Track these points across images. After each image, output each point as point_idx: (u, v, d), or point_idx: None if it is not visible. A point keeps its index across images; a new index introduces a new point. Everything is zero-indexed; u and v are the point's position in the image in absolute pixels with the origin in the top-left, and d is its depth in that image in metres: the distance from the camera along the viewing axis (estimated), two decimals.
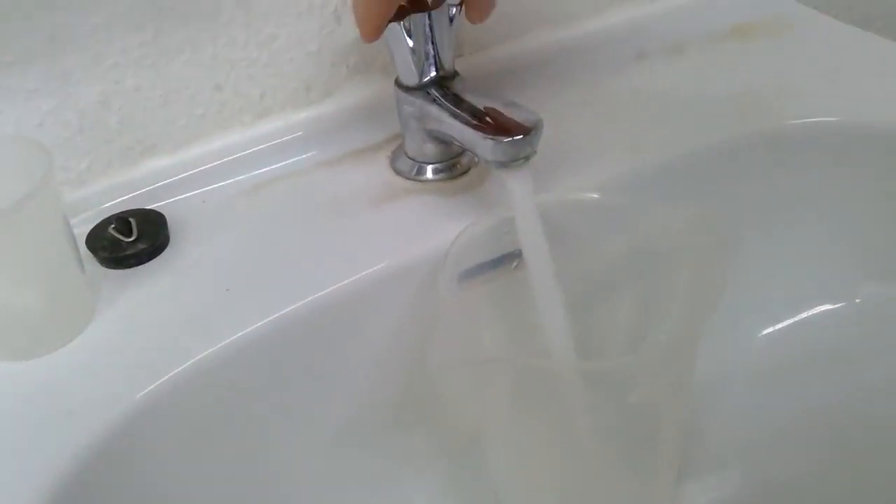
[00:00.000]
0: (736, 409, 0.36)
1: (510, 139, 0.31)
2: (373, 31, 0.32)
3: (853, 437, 0.36)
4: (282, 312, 0.32)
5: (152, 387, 0.29)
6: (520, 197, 0.32)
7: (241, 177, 0.39)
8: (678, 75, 0.44)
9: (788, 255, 0.40)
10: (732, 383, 0.37)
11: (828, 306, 0.39)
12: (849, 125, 0.38)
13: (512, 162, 0.32)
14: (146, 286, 0.33)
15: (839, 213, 0.39)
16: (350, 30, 0.40)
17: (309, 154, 0.41)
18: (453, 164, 0.39)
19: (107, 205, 0.37)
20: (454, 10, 0.34)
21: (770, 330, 0.39)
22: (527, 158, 0.32)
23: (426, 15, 0.34)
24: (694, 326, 0.29)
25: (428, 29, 0.34)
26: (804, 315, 0.39)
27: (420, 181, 0.39)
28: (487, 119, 0.33)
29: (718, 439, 0.36)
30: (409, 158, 0.39)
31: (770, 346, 0.39)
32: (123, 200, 0.37)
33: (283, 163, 0.40)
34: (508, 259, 0.36)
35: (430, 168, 0.39)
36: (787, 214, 0.40)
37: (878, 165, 0.37)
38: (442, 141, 0.38)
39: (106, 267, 0.34)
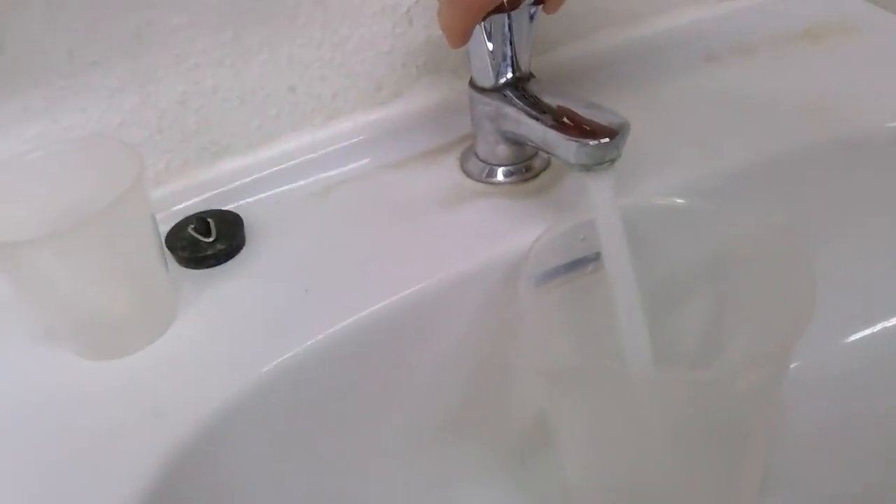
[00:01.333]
0: (821, 419, 0.36)
1: (597, 142, 0.31)
2: (460, 38, 0.32)
3: None
4: (360, 315, 0.32)
5: (238, 388, 0.29)
6: (603, 201, 0.32)
7: (313, 178, 0.39)
8: (750, 78, 0.44)
9: (868, 262, 0.39)
10: (816, 393, 0.36)
11: None
12: None
13: (596, 165, 0.31)
14: (225, 287, 0.34)
15: None
16: (421, 31, 0.40)
17: (379, 155, 0.40)
18: (526, 166, 0.39)
19: (182, 205, 0.37)
20: (534, 9, 0.34)
21: (855, 337, 0.39)
22: (612, 162, 0.31)
23: (506, 15, 0.34)
24: (784, 342, 0.28)
25: (507, 29, 0.34)
26: (887, 323, 0.39)
27: (491, 184, 0.39)
28: (568, 121, 0.32)
29: (802, 451, 0.35)
30: (480, 160, 0.39)
31: (855, 352, 0.38)
32: (199, 201, 0.37)
33: (354, 164, 0.40)
34: (584, 263, 0.35)
35: (501, 170, 0.39)
36: (866, 220, 0.39)
37: None
38: (515, 143, 0.37)
39: (185, 267, 0.34)
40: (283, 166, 0.39)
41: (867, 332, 0.39)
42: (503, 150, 0.38)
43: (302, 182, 0.39)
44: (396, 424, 0.35)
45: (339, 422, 0.33)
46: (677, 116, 0.41)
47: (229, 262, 0.35)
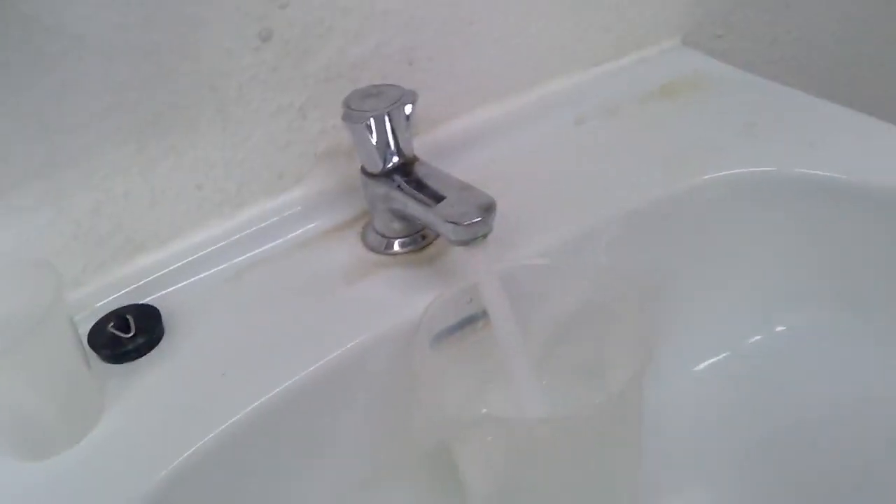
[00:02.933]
0: (682, 437, 0.41)
1: (469, 223, 0.35)
2: None
3: (787, 455, 0.40)
4: (273, 393, 0.35)
5: (159, 477, 0.32)
6: (480, 270, 0.36)
7: (225, 264, 0.43)
8: (614, 137, 0.49)
9: (718, 295, 0.44)
10: (677, 415, 0.41)
11: (757, 337, 0.44)
12: (762, 175, 0.44)
13: (472, 241, 0.36)
14: (147, 379, 0.36)
15: (759, 254, 0.44)
16: (315, 123, 0.44)
17: (285, 237, 0.44)
18: (421, 235, 0.43)
19: (103, 302, 0.40)
20: (409, 108, 0.39)
21: (706, 364, 0.44)
22: (484, 236, 0.36)
23: (386, 114, 0.38)
24: (633, 375, 0.33)
25: (388, 124, 0.39)
26: (735, 348, 0.44)
27: (390, 255, 0.43)
28: (447, 203, 0.37)
29: (670, 466, 0.40)
30: (378, 234, 0.43)
31: (708, 377, 0.44)
32: (118, 297, 0.40)
33: (263, 248, 0.44)
34: (474, 320, 0.39)
35: (397, 242, 0.43)
36: (715, 261, 0.45)
37: (791, 210, 0.43)
38: (406, 218, 0.42)
39: (108, 363, 0.37)
40: (195, 256, 0.42)
41: (713, 360, 0.45)
42: (397, 224, 0.42)
43: (215, 269, 0.43)
44: (320, 484, 0.39)
45: (272, 483, 0.36)
46: (550, 180, 0.46)
47: (150, 355, 0.38)
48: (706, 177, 0.43)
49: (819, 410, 0.41)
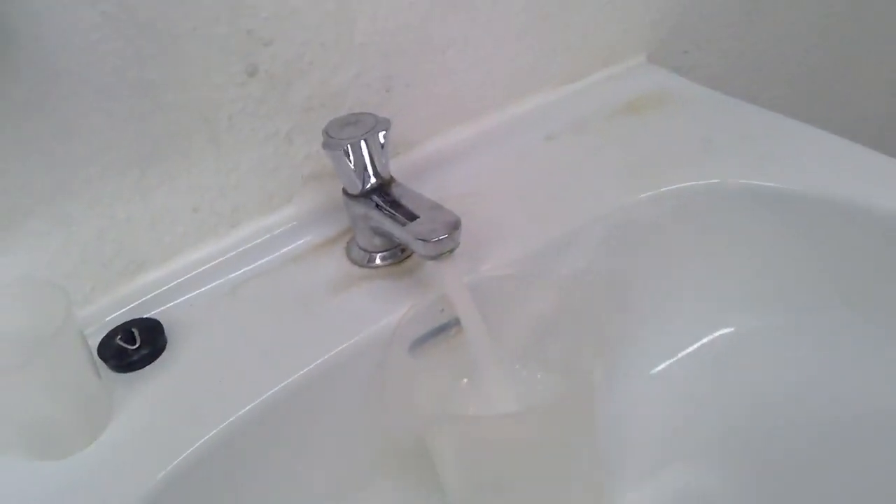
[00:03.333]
0: (640, 434, 0.44)
1: (436, 239, 0.39)
2: None
3: (744, 449, 0.44)
4: (266, 395, 0.39)
5: (164, 473, 0.36)
6: (450, 282, 0.40)
7: (221, 280, 0.46)
8: (581, 151, 0.53)
9: (672, 300, 0.48)
10: (635, 413, 0.45)
11: (707, 338, 0.48)
12: (724, 186, 0.47)
13: (440, 255, 0.39)
14: (152, 386, 0.40)
15: (708, 261, 0.47)
16: (301, 148, 0.48)
17: (276, 253, 0.48)
18: (400, 249, 0.47)
19: (110, 317, 0.44)
20: (382, 135, 0.42)
21: (663, 366, 0.48)
22: (451, 251, 0.39)
23: (362, 139, 0.42)
24: (584, 373, 0.37)
25: (365, 150, 0.42)
26: (687, 349, 0.48)
27: (372, 268, 0.46)
28: (418, 221, 0.41)
29: (630, 461, 0.44)
30: (361, 249, 0.47)
31: (664, 378, 0.47)
32: (124, 312, 0.44)
33: (256, 263, 0.47)
34: (448, 328, 0.43)
35: (378, 256, 0.47)
36: (670, 267, 0.48)
37: (735, 219, 0.46)
38: (385, 235, 0.45)
39: (116, 372, 0.41)
40: (194, 273, 0.46)
41: (669, 361, 0.48)
42: (378, 240, 0.46)
43: (212, 284, 0.46)
44: (310, 480, 0.42)
45: (267, 479, 0.40)
46: (521, 193, 0.50)
47: (153, 364, 0.41)
48: (662, 189, 0.46)
49: (766, 403, 0.44)
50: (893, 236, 0.42)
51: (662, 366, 0.48)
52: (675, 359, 0.48)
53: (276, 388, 0.39)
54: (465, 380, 0.43)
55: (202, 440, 0.37)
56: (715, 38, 0.66)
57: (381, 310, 0.43)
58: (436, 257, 0.39)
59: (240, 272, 0.47)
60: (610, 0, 0.57)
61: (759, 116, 0.53)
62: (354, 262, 0.47)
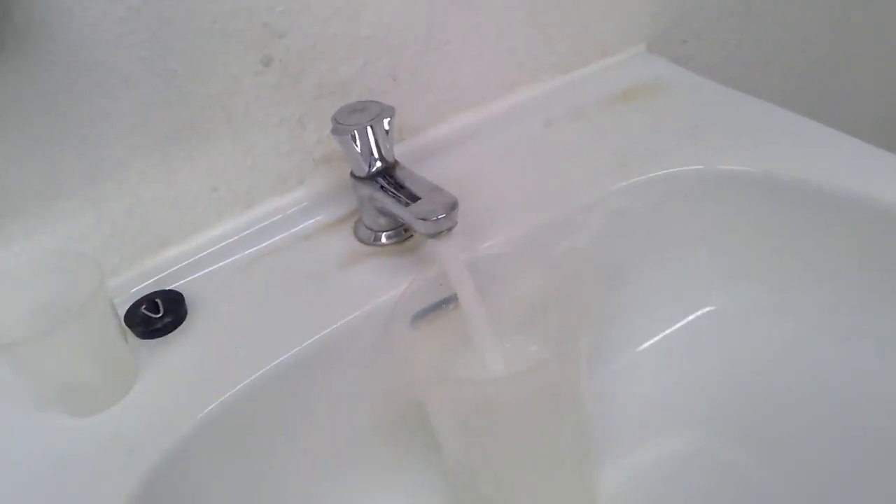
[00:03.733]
0: (627, 407, 0.48)
1: (435, 219, 0.42)
2: None
3: (724, 420, 0.47)
4: (278, 360, 0.43)
5: (187, 426, 0.40)
6: (448, 258, 0.43)
7: (238, 255, 0.50)
8: (578, 137, 0.56)
9: (657, 280, 0.51)
10: (623, 388, 0.48)
11: (690, 317, 0.51)
12: (706, 172, 0.50)
13: (438, 233, 0.43)
14: (174, 351, 0.44)
15: (691, 243, 0.50)
16: (313, 133, 0.51)
17: (289, 232, 0.51)
18: (404, 228, 0.50)
19: (136, 288, 0.48)
20: (387, 121, 0.45)
21: (648, 343, 0.51)
22: (449, 230, 0.43)
23: (368, 126, 0.45)
24: (571, 337, 0.40)
25: (370, 135, 0.46)
26: (672, 328, 0.51)
27: (377, 246, 0.50)
28: (420, 202, 0.44)
29: (621, 430, 0.47)
30: (367, 228, 0.50)
31: (650, 354, 0.50)
32: (148, 284, 0.48)
33: (270, 241, 0.51)
34: (447, 303, 0.46)
35: (384, 234, 0.50)
36: (655, 248, 0.51)
37: (716, 202, 0.49)
38: (389, 215, 0.49)
39: (141, 339, 0.45)
40: (212, 249, 0.50)
41: (654, 339, 0.51)
42: (383, 220, 0.49)
43: (229, 260, 0.50)
44: (316, 440, 0.46)
45: (276, 440, 0.44)
46: (520, 176, 0.53)
47: (175, 332, 0.45)
48: (649, 175, 0.49)
49: (744, 377, 0.47)
50: (867, 219, 0.44)
51: (648, 343, 0.51)
52: (659, 336, 0.51)
53: (287, 355, 0.43)
54: (462, 349, 0.47)
55: (219, 400, 0.41)
56: (714, 29, 0.68)
57: (386, 284, 0.46)
58: (435, 235, 0.43)
59: (255, 249, 0.51)
60: None
61: (749, 105, 0.56)
62: (361, 240, 0.51)
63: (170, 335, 0.45)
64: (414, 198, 0.44)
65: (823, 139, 0.50)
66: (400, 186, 0.46)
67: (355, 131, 0.45)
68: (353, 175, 0.48)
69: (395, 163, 0.48)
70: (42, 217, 0.44)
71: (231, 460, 0.42)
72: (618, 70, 0.62)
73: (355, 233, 0.51)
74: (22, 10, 0.39)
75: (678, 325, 0.51)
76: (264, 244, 0.51)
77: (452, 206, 0.43)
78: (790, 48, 0.74)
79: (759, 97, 0.56)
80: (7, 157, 0.42)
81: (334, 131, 0.45)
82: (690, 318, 0.51)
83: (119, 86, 0.43)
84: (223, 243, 0.50)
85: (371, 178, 0.47)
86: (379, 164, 0.47)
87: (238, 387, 0.41)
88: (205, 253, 0.49)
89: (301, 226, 0.52)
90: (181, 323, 0.46)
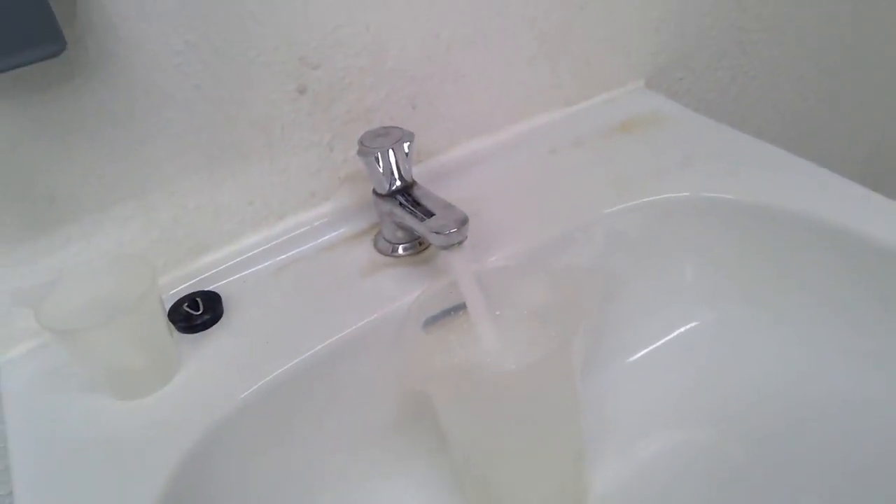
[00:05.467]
0: (619, 413, 0.53)
1: (448, 233, 0.47)
2: None
3: (709, 424, 0.52)
4: (305, 356, 0.48)
5: (223, 411, 0.45)
6: (458, 269, 0.48)
7: (269, 262, 0.56)
8: (579, 164, 0.61)
9: (647, 296, 0.56)
10: (615, 395, 0.53)
11: (678, 331, 0.56)
12: (692, 199, 0.55)
13: (450, 246, 0.48)
14: (212, 345, 0.49)
15: (679, 262, 0.55)
16: (340, 154, 0.57)
17: (315, 242, 0.57)
18: (419, 242, 0.56)
19: (179, 288, 0.53)
20: (407, 145, 0.51)
21: (639, 354, 0.56)
22: (460, 243, 0.48)
23: (390, 148, 0.51)
24: (567, 342, 0.45)
25: (392, 158, 0.51)
26: (660, 340, 0.56)
27: (395, 257, 0.55)
28: (434, 218, 0.49)
29: (610, 435, 0.52)
30: (386, 241, 0.56)
31: (641, 365, 0.55)
32: (190, 284, 0.53)
33: (298, 249, 0.56)
34: (457, 309, 0.51)
35: (401, 247, 0.55)
36: (647, 266, 0.56)
37: (701, 226, 0.54)
38: (407, 229, 0.54)
39: (182, 333, 0.50)
40: (247, 255, 0.55)
41: (644, 351, 0.56)
42: (401, 233, 0.55)
43: (262, 265, 0.55)
44: (338, 428, 0.51)
45: (300, 429, 0.49)
46: (524, 199, 0.58)
47: (213, 328, 0.51)
48: (641, 200, 0.54)
49: (727, 385, 0.52)
50: (837, 244, 0.49)
51: (638, 355, 0.56)
52: (649, 349, 0.56)
53: (312, 351, 0.48)
54: (468, 350, 0.52)
55: (252, 389, 0.46)
56: (709, 67, 0.73)
57: (402, 291, 0.51)
58: (447, 248, 0.48)
59: (285, 256, 0.56)
60: (612, 33, 0.65)
61: (738, 140, 0.61)
62: (380, 251, 0.56)
63: (208, 331, 0.50)
64: (429, 213, 0.50)
65: (803, 172, 0.55)
66: (417, 203, 0.51)
67: (379, 153, 0.51)
68: (374, 192, 0.54)
69: (413, 182, 0.53)
70: (99, 221, 0.50)
71: (262, 443, 0.47)
72: (618, 104, 0.67)
73: (375, 244, 0.57)
74: (95, 42, 0.45)
75: (667, 338, 0.56)
76: (293, 252, 0.56)
77: (463, 221, 0.48)
78: (782, 87, 0.79)
79: (750, 132, 0.62)
80: (74, 167, 0.48)
81: (360, 153, 0.51)
82: (677, 332, 0.56)
83: (174, 109, 0.49)
84: (257, 250, 0.55)
85: (391, 195, 0.52)
86: (399, 182, 0.52)
87: (269, 378, 0.47)
88: (240, 259, 0.55)
89: (327, 237, 0.57)
90: (218, 320, 0.51)
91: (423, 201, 0.51)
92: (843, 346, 0.49)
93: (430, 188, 0.53)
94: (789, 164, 0.56)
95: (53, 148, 0.47)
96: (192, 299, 0.51)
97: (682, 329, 0.56)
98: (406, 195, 0.52)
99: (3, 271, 0.48)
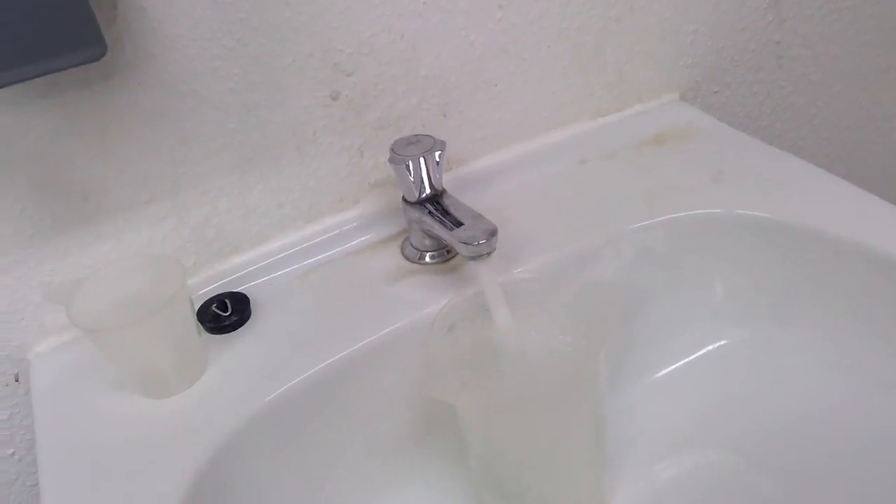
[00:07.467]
0: (643, 429, 0.52)
1: (477, 243, 0.47)
2: None
3: (735, 442, 0.51)
4: (331, 360, 0.48)
5: (248, 413, 0.45)
6: (486, 279, 0.48)
7: (297, 265, 0.56)
8: (609, 176, 0.61)
9: (675, 312, 0.55)
10: (640, 411, 0.53)
11: (708, 348, 0.55)
12: (725, 215, 0.54)
13: (479, 257, 0.48)
14: (239, 346, 0.50)
15: (709, 279, 0.54)
16: (369, 160, 0.57)
17: (343, 247, 0.57)
18: (446, 250, 0.56)
19: (208, 289, 0.54)
20: (438, 154, 0.51)
21: (666, 371, 0.56)
22: (489, 254, 0.48)
23: (421, 157, 0.51)
24: (592, 355, 0.45)
25: (422, 166, 0.51)
26: (688, 358, 0.55)
27: (422, 264, 0.55)
28: (463, 228, 0.49)
29: (637, 448, 0.52)
30: (413, 248, 0.56)
31: (667, 381, 0.55)
32: (218, 285, 0.54)
33: (326, 254, 0.57)
34: (482, 318, 0.51)
35: (428, 254, 0.55)
36: (675, 282, 0.56)
37: (733, 243, 0.53)
38: (434, 237, 0.54)
39: (211, 333, 0.51)
40: (275, 258, 0.56)
41: (671, 367, 0.56)
42: (429, 241, 0.55)
43: (290, 268, 0.56)
44: (358, 434, 0.51)
45: (321, 434, 0.49)
46: (555, 209, 0.58)
47: (241, 329, 0.51)
48: (672, 216, 0.54)
49: (754, 405, 0.51)
50: (875, 267, 0.48)
51: (664, 371, 0.55)
52: (676, 365, 0.55)
53: (336, 357, 0.48)
54: (492, 360, 0.51)
55: (278, 391, 0.46)
56: (744, 81, 0.72)
57: (428, 299, 0.51)
58: (475, 258, 0.48)
59: (313, 259, 0.56)
60: (647, 45, 0.64)
61: (772, 156, 0.60)
62: (407, 258, 0.56)
63: (236, 332, 0.51)
64: (458, 223, 0.50)
65: (838, 191, 0.54)
66: (446, 212, 0.51)
67: (410, 161, 0.51)
68: (404, 199, 0.54)
69: (443, 191, 0.53)
70: (131, 220, 0.51)
71: (283, 446, 0.48)
72: (651, 116, 0.67)
73: (402, 251, 0.57)
74: (133, 44, 0.46)
75: (695, 356, 0.55)
76: (321, 256, 0.57)
77: (493, 232, 0.48)
78: (818, 103, 0.78)
79: (785, 148, 0.61)
80: (108, 166, 0.48)
81: (391, 160, 0.51)
82: (706, 350, 0.55)
83: (209, 111, 0.49)
84: (285, 253, 0.56)
85: (420, 203, 0.52)
86: (428, 191, 0.52)
87: (295, 380, 0.47)
88: (269, 261, 0.55)
89: (354, 242, 0.58)
90: (246, 322, 0.52)
91: (453, 210, 0.51)
92: (880, 374, 0.49)
93: (459, 196, 0.53)
94: (825, 181, 0.55)
95: (89, 146, 0.47)
96: (220, 300, 0.52)
97: (711, 347, 0.56)
98: (435, 204, 0.52)
99: (34, 265, 0.49)
